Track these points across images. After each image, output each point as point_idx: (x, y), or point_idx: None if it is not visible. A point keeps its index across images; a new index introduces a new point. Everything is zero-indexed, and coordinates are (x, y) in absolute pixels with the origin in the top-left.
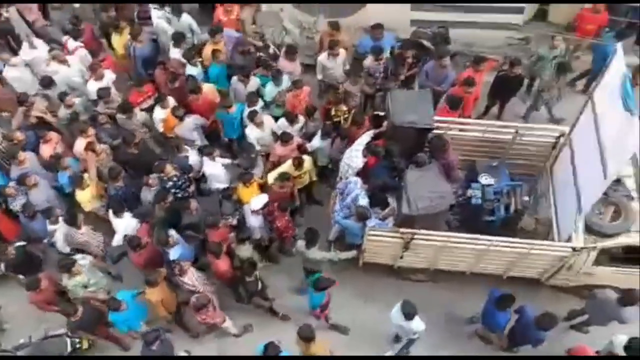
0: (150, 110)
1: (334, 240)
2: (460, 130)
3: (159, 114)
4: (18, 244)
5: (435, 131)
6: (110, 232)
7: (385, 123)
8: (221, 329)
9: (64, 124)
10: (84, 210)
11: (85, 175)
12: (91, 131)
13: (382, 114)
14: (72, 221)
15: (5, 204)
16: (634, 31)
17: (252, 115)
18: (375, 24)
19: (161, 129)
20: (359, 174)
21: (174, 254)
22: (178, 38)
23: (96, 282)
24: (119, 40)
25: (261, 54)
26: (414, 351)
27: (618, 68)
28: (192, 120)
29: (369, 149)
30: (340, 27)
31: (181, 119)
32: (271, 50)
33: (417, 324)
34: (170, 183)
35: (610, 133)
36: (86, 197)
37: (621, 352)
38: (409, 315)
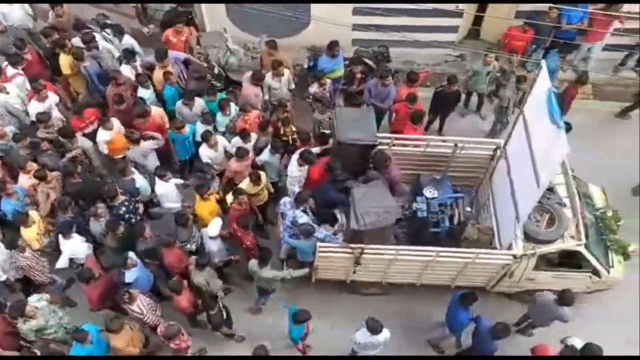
0: (93, 135)
1: (286, 258)
2: (404, 145)
3: (103, 135)
4: None
5: (380, 147)
6: (57, 258)
7: (331, 140)
8: None
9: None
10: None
11: (32, 213)
12: (32, 166)
13: (328, 131)
14: (12, 245)
15: None
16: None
17: (207, 136)
18: (331, 41)
19: (105, 151)
20: (304, 188)
21: (130, 276)
22: (127, 55)
23: (56, 323)
24: (66, 59)
25: (208, 75)
26: None
27: (544, 83)
28: (148, 144)
29: (301, 157)
30: (277, 46)
31: (137, 142)
32: (216, 71)
33: (385, 334)
34: (123, 209)
35: (540, 145)
36: (32, 235)
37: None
38: (375, 330)
